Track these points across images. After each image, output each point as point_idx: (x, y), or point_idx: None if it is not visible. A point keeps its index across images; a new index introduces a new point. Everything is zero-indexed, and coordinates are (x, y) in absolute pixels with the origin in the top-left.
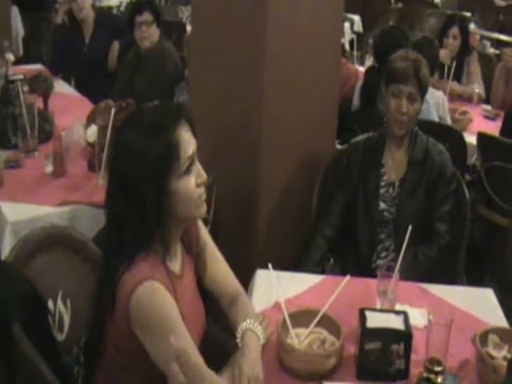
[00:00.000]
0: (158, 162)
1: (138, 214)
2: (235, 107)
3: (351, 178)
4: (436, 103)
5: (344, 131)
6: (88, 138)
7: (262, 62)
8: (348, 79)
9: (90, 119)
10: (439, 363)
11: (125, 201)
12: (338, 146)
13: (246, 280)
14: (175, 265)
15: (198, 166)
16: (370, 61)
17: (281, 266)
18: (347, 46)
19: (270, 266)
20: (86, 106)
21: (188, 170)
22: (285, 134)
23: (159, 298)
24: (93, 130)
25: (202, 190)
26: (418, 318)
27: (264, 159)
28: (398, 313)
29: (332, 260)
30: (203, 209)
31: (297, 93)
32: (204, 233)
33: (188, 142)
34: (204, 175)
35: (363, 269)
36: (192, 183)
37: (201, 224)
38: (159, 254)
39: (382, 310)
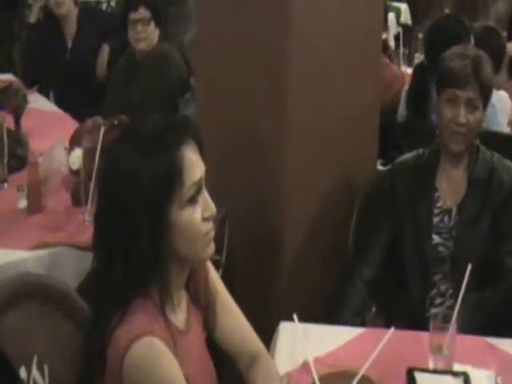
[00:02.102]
0: (155, 185)
1: (131, 250)
2: (253, 124)
3: (397, 205)
4: (504, 108)
5: (387, 148)
6: (71, 165)
7: (285, 67)
8: (392, 84)
9: (74, 141)
10: None
11: (115, 233)
12: (380, 167)
13: (267, 335)
14: (179, 317)
15: (205, 196)
16: (420, 60)
17: (309, 317)
18: (391, 43)
19: (295, 317)
20: (69, 124)
21: (193, 200)
22: (314, 154)
23: (159, 359)
24: (77, 154)
25: (209, 225)
26: (484, 381)
27: (288, 187)
28: (456, 374)
29: (374, 308)
30: (211, 248)
31: (328, 104)
32: (214, 278)
33: (194, 165)
34: (213, 207)
35: (413, 319)
36: (197, 216)
37: (211, 267)
38: (158, 303)
39: (435, 371)
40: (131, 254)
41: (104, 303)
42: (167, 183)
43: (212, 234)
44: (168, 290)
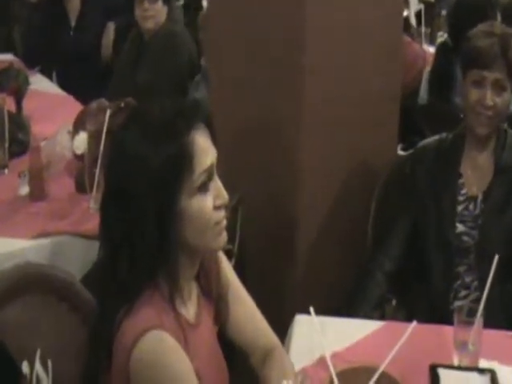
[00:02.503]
0: (164, 172)
1: (138, 239)
2: (267, 108)
3: (418, 192)
4: None
5: (408, 132)
6: (75, 149)
7: (301, 49)
8: (413, 64)
9: (78, 125)
10: None
11: (120, 222)
12: (401, 152)
13: (281, 329)
14: (189, 310)
15: (217, 183)
16: (443, 39)
17: (326, 309)
18: (413, 20)
19: (311, 310)
20: (73, 107)
21: (203, 187)
22: (330, 139)
23: (169, 353)
24: (82, 138)
25: (221, 213)
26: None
27: (303, 174)
28: (482, 371)
29: (394, 301)
30: (223, 238)
31: (345, 86)
32: (227, 269)
33: (205, 151)
34: (225, 195)
35: (435, 312)
36: (208, 204)
37: (223, 257)
38: (167, 295)
39: (460, 368)
40: (137, 244)
41: (110, 295)
42: (176, 170)
43: (224, 223)
44: (177, 281)
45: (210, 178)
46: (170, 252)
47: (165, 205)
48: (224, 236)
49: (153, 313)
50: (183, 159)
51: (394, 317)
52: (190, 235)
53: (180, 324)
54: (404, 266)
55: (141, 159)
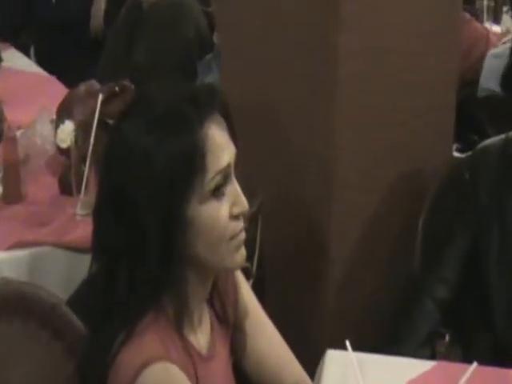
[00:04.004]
0: (170, 172)
1: (139, 252)
2: (294, 98)
3: (479, 203)
4: None
5: (466, 129)
6: (60, 142)
7: (337, 27)
8: (473, 46)
9: (63, 112)
10: None
11: (118, 232)
12: (457, 154)
13: (310, 365)
14: (200, 339)
15: (235, 187)
16: (508, 15)
17: (364, 344)
18: None
19: (347, 343)
20: (56, 90)
21: (218, 192)
22: (369, 135)
23: None
24: (67, 128)
25: (239, 224)
26: None
27: (337, 178)
28: None
29: (448, 336)
30: (240, 255)
31: (388, 70)
32: (245, 291)
33: (221, 148)
34: (244, 202)
35: (499, 352)
36: (223, 212)
37: (240, 278)
38: (173, 320)
39: None
40: (138, 259)
41: (105, 320)
42: (186, 170)
43: (242, 236)
44: (186, 304)
45: (226, 181)
46: (177, 269)
47: (171, 212)
48: (242, 252)
49: (157, 341)
50: (194, 157)
51: (447, 356)
52: (202, 250)
53: (190, 355)
54: (460, 294)
55: (143, 156)
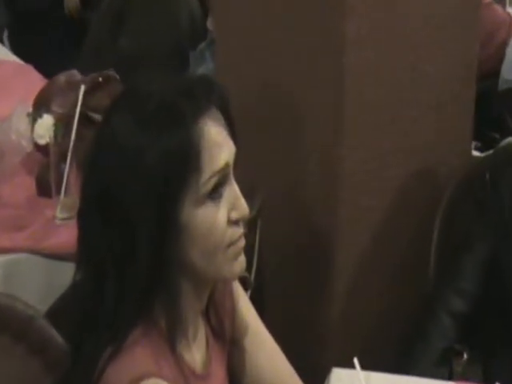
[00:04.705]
0: (162, 171)
1: (127, 259)
2: (297, 88)
3: (500, 208)
4: None
5: (486, 126)
6: (37, 138)
7: (343, 14)
8: (494, 33)
9: (41, 105)
10: None
11: (104, 237)
12: (476, 153)
13: None
14: (194, 355)
15: (234, 190)
16: None
17: (373, 362)
18: None
19: (355, 361)
20: (32, 80)
21: (215, 194)
22: (379, 131)
23: None
24: (46, 123)
25: (238, 231)
26: None
27: (344, 179)
28: None
29: (466, 355)
30: (239, 264)
31: (399, 59)
32: (244, 304)
33: (218, 146)
34: (244, 206)
35: None
36: (221, 217)
37: (238, 289)
38: (165, 334)
39: None
40: (127, 265)
41: (89, 333)
42: (179, 169)
43: (242, 243)
44: (179, 317)
45: (223, 183)
46: (169, 277)
47: (163, 214)
48: (241, 261)
49: (149, 356)
50: (188, 155)
51: (465, 376)
52: (197, 257)
53: (183, 373)
54: (479, 307)
55: (133, 153)
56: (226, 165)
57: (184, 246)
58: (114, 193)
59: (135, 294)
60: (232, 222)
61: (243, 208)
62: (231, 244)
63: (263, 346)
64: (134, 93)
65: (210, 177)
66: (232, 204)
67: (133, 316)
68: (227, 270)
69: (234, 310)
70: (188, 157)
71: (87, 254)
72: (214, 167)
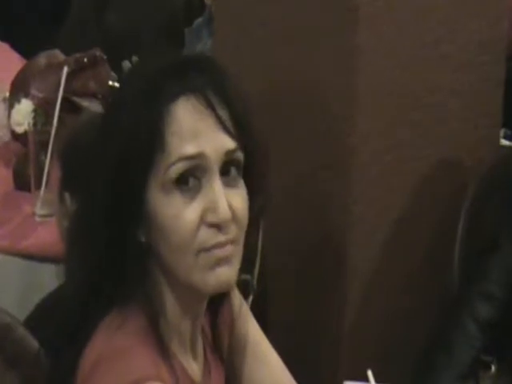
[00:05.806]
0: (127, 143)
1: (86, 247)
2: (303, 71)
3: None
4: None
5: None
6: (15, 126)
7: None
8: None
9: (19, 88)
10: None
11: (75, 225)
12: (505, 142)
13: None
14: (193, 367)
15: (215, 190)
16: None
17: (390, 375)
18: None
19: (369, 373)
20: (9, 60)
21: (183, 184)
22: (398, 119)
23: None
24: (24, 109)
25: (217, 237)
26: None
27: (358, 171)
28: None
29: (494, 367)
30: (216, 276)
31: (418, 39)
32: (243, 314)
33: (192, 133)
34: (223, 211)
35: None
36: (190, 214)
37: (237, 297)
38: (160, 338)
39: None
40: (87, 254)
41: (75, 339)
42: (144, 144)
43: (220, 253)
44: (165, 320)
45: (195, 175)
46: (145, 269)
47: (122, 183)
48: (219, 274)
49: (145, 357)
50: (155, 131)
51: None
52: (165, 252)
53: (183, 379)
54: (509, 314)
55: (108, 127)
56: (199, 155)
57: (153, 234)
58: (80, 175)
59: (99, 278)
60: (208, 225)
61: (220, 212)
62: (203, 249)
63: (265, 361)
64: (132, 72)
65: (176, 161)
66: (209, 205)
67: (102, 305)
68: (199, 279)
69: (231, 320)
70: (153, 134)
71: (69, 249)
72: (182, 152)
